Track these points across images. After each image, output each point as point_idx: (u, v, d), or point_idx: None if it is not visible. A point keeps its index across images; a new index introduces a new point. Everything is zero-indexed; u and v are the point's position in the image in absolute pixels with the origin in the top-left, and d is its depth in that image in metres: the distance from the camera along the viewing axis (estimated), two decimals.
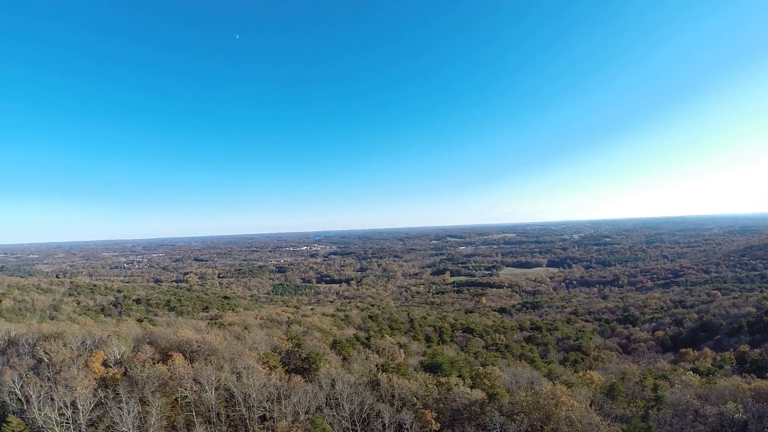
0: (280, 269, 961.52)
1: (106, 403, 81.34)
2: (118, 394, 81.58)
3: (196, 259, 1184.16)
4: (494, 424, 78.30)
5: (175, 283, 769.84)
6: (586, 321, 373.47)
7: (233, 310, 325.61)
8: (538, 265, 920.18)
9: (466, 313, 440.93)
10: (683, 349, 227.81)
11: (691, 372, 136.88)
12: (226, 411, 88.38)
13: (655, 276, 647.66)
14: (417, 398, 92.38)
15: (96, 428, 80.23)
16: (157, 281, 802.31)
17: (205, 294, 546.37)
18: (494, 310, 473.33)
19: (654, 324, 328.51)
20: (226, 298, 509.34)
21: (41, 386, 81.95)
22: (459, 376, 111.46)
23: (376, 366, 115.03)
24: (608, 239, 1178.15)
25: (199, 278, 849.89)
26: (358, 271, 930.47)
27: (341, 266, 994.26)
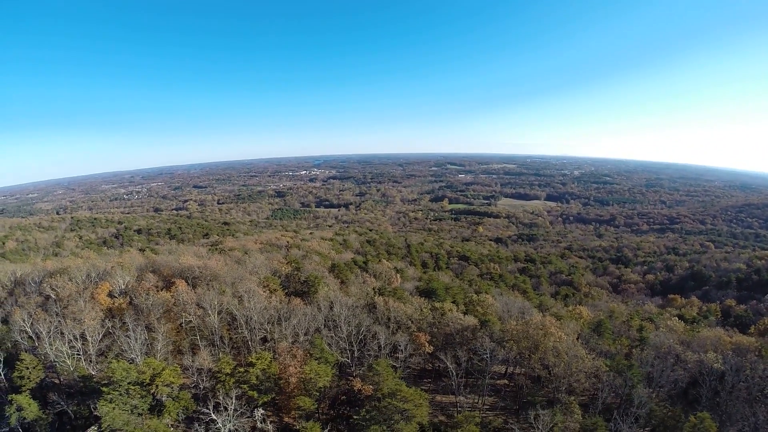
0: (279, 194, 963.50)
1: (114, 333, 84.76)
2: (124, 323, 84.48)
3: (195, 186, 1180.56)
4: (485, 350, 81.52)
5: (175, 212, 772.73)
6: (580, 257, 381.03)
7: (233, 235, 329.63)
8: (537, 198, 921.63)
9: (462, 241, 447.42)
10: (671, 295, 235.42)
11: (676, 318, 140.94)
12: (229, 334, 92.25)
13: (651, 220, 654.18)
14: (412, 322, 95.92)
15: (106, 357, 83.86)
16: (157, 210, 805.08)
17: (205, 221, 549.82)
18: (490, 240, 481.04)
19: (646, 267, 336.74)
20: (225, 224, 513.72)
21: (50, 322, 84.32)
22: (453, 302, 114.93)
23: (373, 289, 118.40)
24: (608, 178, 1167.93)
25: (198, 205, 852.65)
26: (356, 195, 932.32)
27: (340, 191, 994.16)
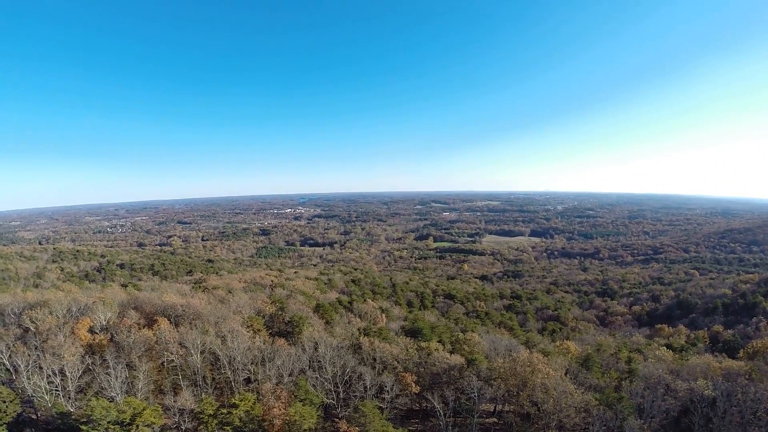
0: (264, 232, 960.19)
1: (94, 369, 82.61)
2: (105, 360, 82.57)
3: (179, 222, 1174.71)
4: (472, 389, 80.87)
5: (158, 247, 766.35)
6: (566, 292, 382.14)
7: (217, 273, 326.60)
8: (521, 234, 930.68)
9: (448, 279, 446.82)
10: (659, 325, 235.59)
11: (664, 347, 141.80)
12: (212, 374, 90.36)
13: (635, 251, 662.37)
14: (398, 362, 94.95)
15: (85, 394, 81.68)
16: (140, 245, 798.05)
17: (189, 257, 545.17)
18: (476, 277, 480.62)
19: (632, 299, 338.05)
20: (210, 261, 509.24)
21: (29, 355, 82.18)
22: (439, 342, 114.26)
23: (359, 330, 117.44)
24: (591, 212, 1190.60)
25: (182, 241, 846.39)
26: (341, 234, 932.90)
27: (325, 229, 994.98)
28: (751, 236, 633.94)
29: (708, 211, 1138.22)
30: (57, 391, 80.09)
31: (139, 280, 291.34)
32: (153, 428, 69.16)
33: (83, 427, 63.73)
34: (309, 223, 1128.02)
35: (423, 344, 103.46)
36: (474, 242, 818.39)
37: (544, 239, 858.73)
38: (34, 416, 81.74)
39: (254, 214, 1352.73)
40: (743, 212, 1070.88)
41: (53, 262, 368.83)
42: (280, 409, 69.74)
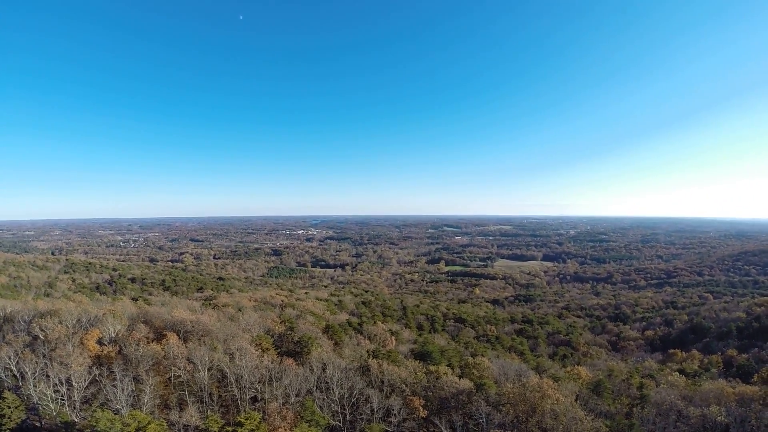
0: (276, 252, 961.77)
1: (101, 381, 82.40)
2: (112, 371, 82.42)
3: (192, 240, 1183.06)
4: (480, 414, 79.59)
5: (170, 263, 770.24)
6: (578, 317, 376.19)
7: (228, 291, 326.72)
8: (533, 258, 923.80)
9: (459, 302, 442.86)
10: (672, 350, 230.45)
11: (677, 373, 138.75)
12: (219, 391, 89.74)
13: (648, 275, 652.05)
14: (406, 385, 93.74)
15: (90, 405, 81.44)
16: (152, 260, 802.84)
17: (200, 274, 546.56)
18: (487, 302, 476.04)
19: (644, 323, 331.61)
20: (221, 279, 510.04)
21: (36, 363, 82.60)
22: (448, 365, 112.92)
23: (367, 352, 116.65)
24: (604, 236, 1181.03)
25: (194, 258, 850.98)
26: (353, 256, 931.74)
27: (337, 251, 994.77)
28: (766, 258, 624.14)
29: (722, 234, 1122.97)
30: (62, 400, 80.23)
31: (150, 294, 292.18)
32: None
33: None
34: (321, 244, 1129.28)
35: (432, 368, 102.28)
36: (486, 266, 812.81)
37: (556, 264, 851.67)
38: (38, 423, 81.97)
39: (266, 234, 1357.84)
40: (758, 234, 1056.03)
41: (65, 272, 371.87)
42: (285, 430, 69.07)
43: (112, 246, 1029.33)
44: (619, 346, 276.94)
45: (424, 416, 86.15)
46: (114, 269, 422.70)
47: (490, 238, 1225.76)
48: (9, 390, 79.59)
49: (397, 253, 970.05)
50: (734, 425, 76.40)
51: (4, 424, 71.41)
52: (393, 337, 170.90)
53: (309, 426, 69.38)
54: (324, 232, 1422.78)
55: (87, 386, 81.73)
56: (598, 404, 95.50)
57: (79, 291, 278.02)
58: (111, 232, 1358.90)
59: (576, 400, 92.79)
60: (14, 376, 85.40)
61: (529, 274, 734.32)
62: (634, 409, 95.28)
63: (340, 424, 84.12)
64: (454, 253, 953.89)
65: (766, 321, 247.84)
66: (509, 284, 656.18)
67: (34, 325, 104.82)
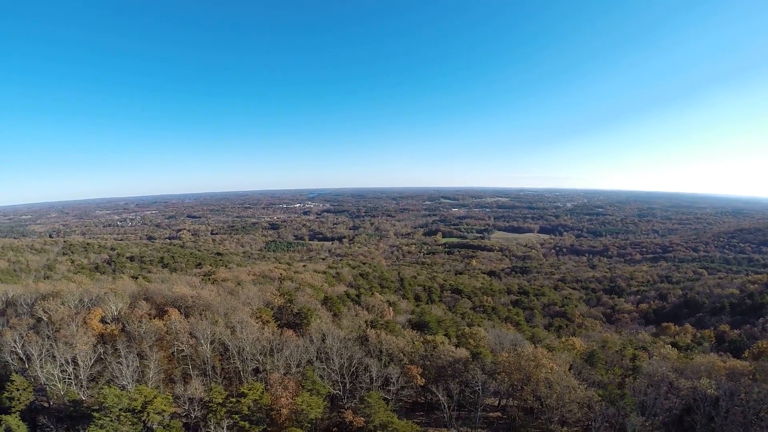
0: (273, 226, 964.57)
1: (106, 359, 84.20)
2: (117, 349, 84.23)
3: (189, 216, 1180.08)
4: (476, 382, 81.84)
5: (168, 240, 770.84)
6: (573, 289, 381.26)
7: (226, 266, 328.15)
8: (530, 230, 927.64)
9: (455, 274, 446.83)
10: (665, 323, 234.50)
11: (670, 346, 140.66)
12: (221, 364, 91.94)
13: (644, 249, 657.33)
14: (404, 354, 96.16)
15: (97, 383, 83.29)
16: (150, 238, 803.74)
17: (198, 251, 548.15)
18: (484, 273, 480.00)
19: (639, 296, 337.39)
20: (219, 254, 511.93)
21: (42, 344, 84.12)
22: (445, 335, 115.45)
23: (366, 322, 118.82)
24: (601, 210, 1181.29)
25: (192, 235, 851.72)
26: (350, 229, 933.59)
27: (334, 224, 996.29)
28: (762, 236, 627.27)
29: (718, 211, 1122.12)
30: (69, 379, 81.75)
31: (149, 272, 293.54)
32: (163, 416, 70.81)
33: (96, 414, 65.35)
34: (318, 217, 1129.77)
35: (429, 337, 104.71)
36: (482, 238, 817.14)
37: (552, 236, 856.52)
38: (46, 404, 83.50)
39: (263, 208, 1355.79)
40: (754, 212, 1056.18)
41: (63, 254, 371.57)
42: (287, 399, 71.18)
43: (109, 225, 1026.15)
44: (614, 319, 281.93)
45: (422, 384, 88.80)
46: (112, 249, 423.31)
47: (487, 210, 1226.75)
48: (16, 373, 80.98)
49: (394, 225, 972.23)
50: (724, 398, 78.34)
51: (13, 407, 72.69)
52: (391, 308, 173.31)
53: (310, 395, 71.46)
54: (321, 205, 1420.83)
55: (93, 364, 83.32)
56: (591, 374, 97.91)
57: (78, 272, 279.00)
58: (107, 211, 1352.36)
59: (570, 370, 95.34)
60: (20, 359, 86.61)
61: (525, 246, 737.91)
62: (627, 379, 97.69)
63: (341, 393, 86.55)
64: (451, 225, 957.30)
65: (759, 298, 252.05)
66: (506, 256, 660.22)
67: (37, 307, 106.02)
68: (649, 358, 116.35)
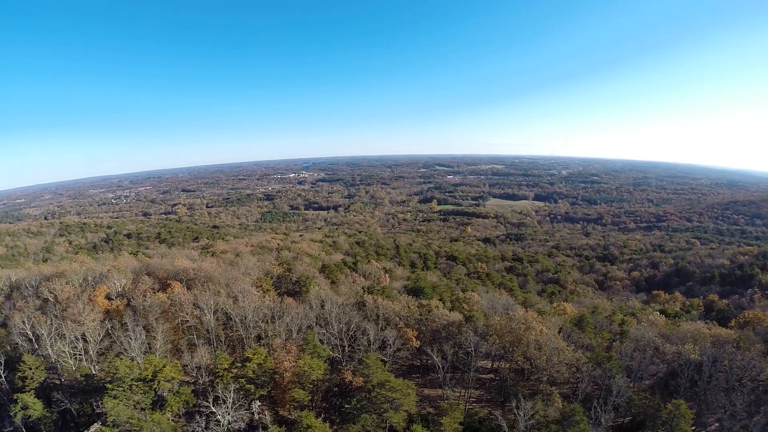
0: (268, 197, 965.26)
1: (113, 333, 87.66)
2: (124, 323, 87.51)
3: (183, 190, 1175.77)
4: (469, 344, 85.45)
5: (164, 216, 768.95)
6: (567, 256, 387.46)
7: (223, 238, 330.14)
8: (525, 198, 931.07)
9: (451, 241, 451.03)
10: (656, 291, 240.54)
11: (658, 313, 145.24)
12: (225, 332, 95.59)
13: (638, 218, 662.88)
14: (400, 318, 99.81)
15: (106, 357, 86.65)
16: (145, 214, 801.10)
17: (195, 224, 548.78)
18: (478, 240, 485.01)
19: (631, 264, 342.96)
20: (215, 227, 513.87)
21: (50, 324, 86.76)
22: (440, 300, 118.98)
23: (363, 288, 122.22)
24: (596, 178, 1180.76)
25: (187, 209, 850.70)
26: (345, 197, 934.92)
27: (329, 193, 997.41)
28: (755, 209, 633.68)
29: (713, 182, 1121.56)
30: (80, 355, 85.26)
31: (147, 248, 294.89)
32: (173, 383, 74.57)
33: (108, 385, 68.77)
34: (313, 187, 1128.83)
35: (424, 302, 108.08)
36: (478, 205, 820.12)
37: (547, 203, 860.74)
38: (58, 381, 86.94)
39: (258, 179, 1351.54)
40: (749, 185, 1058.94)
41: (60, 236, 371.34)
42: (290, 362, 74.88)
43: (104, 204, 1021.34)
44: (606, 286, 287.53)
45: (417, 346, 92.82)
46: (109, 227, 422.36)
47: (482, 177, 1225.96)
48: (27, 353, 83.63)
49: (389, 193, 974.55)
50: (707, 363, 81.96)
51: (27, 386, 75.74)
52: (387, 275, 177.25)
53: (312, 358, 74.94)
54: (315, 174, 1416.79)
55: (101, 340, 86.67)
56: (580, 337, 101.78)
57: (77, 252, 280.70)
58: (101, 190, 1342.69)
59: (559, 333, 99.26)
60: (29, 339, 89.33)
61: (520, 213, 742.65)
62: (614, 343, 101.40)
63: (340, 356, 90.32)
64: (446, 193, 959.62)
65: (748, 269, 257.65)
66: (501, 223, 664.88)
67: (43, 288, 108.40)
68: (638, 324, 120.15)
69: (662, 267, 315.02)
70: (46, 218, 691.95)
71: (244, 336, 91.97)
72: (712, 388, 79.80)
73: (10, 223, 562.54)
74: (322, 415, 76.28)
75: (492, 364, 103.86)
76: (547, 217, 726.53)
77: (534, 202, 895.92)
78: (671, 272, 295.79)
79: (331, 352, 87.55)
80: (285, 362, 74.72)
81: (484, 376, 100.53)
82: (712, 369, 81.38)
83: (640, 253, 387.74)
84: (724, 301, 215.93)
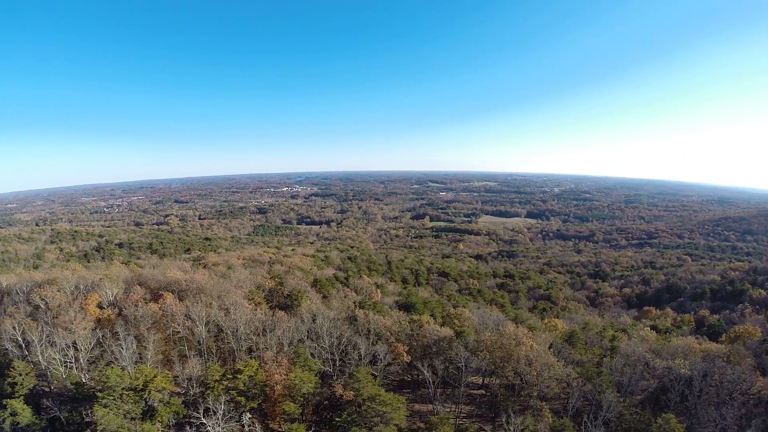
0: (261, 210, 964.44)
1: (105, 342, 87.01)
2: (115, 332, 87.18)
3: (176, 201, 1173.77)
4: (460, 359, 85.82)
5: (156, 226, 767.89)
6: (559, 273, 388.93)
7: (215, 251, 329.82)
8: (517, 215, 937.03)
9: (442, 257, 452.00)
10: (647, 307, 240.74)
11: (649, 328, 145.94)
12: (216, 344, 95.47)
13: (630, 235, 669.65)
14: (391, 333, 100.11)
15: (97, 366, 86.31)
16: (138, 224, 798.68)
17: (187, 236, 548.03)
18: (470, 257, 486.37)
19: (623, 281, 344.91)
20: (207, 239, 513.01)
21: (41, 331, 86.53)
22: (431, 316, 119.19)
23: (354, 303, 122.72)
24: (588, 195, 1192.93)
25: (180, 220, 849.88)
26: (338, 212, 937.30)
27: (322, 208, 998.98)
28: (746, 225, 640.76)
29: (704, 199, 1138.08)
30: (70, 363, 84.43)
31: (138, 258, 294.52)
32: (164, 393, 74.43)
33: (99, 394, 68.52)
34: (306, 201, 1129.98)
35: (415, 317, 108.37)
36: (470, 222, 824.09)
37: (540, 221, 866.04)
38: (47, 388, 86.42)
39: (251, 192, 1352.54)
40: (739, 201, 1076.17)
41: (52, 243, 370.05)
42: (281, 375, 75.11)
43: (96, 212, 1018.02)
44: (597, 302, 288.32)
45: (408, 361, 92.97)
46: (100, 236, 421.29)
47: (475, 194, 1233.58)
48: (16, 359, 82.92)
49: (382, 209, 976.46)
50: (697, 378, 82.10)
51: (16, 392, 75.13)
52: (378, 290, 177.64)
53: (302, 371, 75.22)
54: (309, 188, 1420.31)
55: (92, 348, 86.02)
56: (570, 353, 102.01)
57: (68, 260, 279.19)
58: (94, 198, 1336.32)
59: (550, 349, 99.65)
60: (19, 346, 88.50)
61: (512, 230, 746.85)
62: (605, 358, 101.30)
63: (331, 370, 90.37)
64: (439, 209, 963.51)
65: (739, 285, 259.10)
66: (493, 240, 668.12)
67: (34, 295, 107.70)
68: (629, 340, 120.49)
69: (653, 283, 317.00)
70: (37, 224, 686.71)
71: (235, 348, 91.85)
72: (702, 403, 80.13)
73: (0, 227, 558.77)
74: (312, 429, 76.39)
75: (482, 380, 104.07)
76: (539, 234, 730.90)
77: (526, 219, 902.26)
78: (662, 288, 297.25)
79: (321, 366, 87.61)
80: (276, 375, 74.90)
81: (475, 391, 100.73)
82: (702, 383, 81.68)
83: (631, 270, 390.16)
84: (714, 316, 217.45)
